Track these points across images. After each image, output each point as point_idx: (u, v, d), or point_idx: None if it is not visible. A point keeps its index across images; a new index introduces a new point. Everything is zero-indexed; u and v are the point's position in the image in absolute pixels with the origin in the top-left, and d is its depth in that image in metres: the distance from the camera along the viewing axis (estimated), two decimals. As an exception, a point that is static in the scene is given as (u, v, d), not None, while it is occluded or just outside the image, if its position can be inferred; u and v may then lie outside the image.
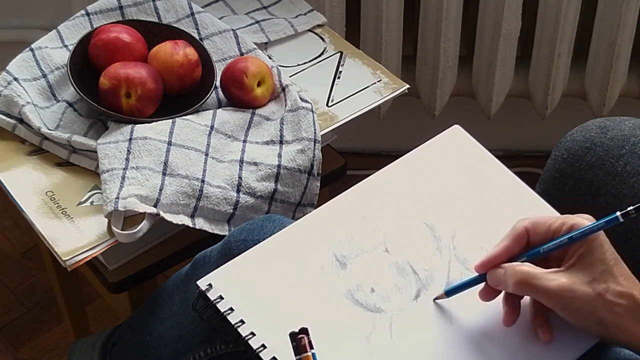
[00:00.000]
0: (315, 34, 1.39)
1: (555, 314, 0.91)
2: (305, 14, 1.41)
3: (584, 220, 0.91)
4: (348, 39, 1.42)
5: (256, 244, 1.00)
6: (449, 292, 0.96)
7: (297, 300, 0.96)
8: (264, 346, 0.92)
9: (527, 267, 0.90)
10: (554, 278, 0.88)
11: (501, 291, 0.94)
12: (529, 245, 0.92)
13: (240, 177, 1.17)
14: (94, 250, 1.11)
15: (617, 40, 1.60)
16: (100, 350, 1.19)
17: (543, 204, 1.04)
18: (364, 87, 1.30)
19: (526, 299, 0.94)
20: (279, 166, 1.18)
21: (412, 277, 0.98)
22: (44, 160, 1.20)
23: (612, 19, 1.59)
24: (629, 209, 0.89)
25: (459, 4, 1.59)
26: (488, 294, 0.94)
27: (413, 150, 1.08)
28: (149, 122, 1.19)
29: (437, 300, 0.96)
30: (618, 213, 0.89)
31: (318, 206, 1.06)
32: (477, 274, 0.94)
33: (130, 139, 1.16)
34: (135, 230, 1.10)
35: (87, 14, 1.32)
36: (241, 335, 0.93)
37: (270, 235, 1.01)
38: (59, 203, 1.15)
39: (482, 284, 0.94)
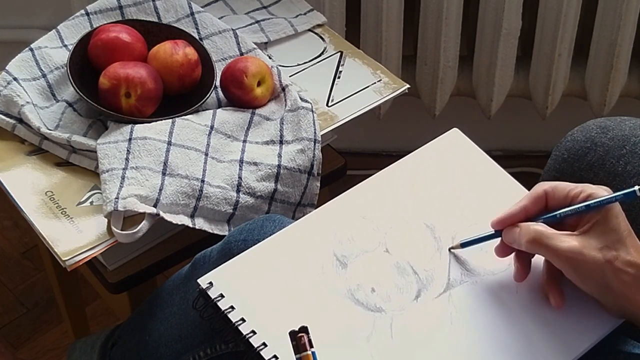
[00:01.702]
0: (315, 33, 1.39)
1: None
2: (305, 14, 1.40)
3: (602, 191, 0.93)
4: (348, 38, 1.42)
5: (256, 244, 1.00)
6: (465, 244, 0.98)
7: (297, 300, 0.96)
8: (264, 344, 0.92)
9: (540, 227, 0.93)
10: (566, 240, 0.91)
11: (515, 249, 0.96)
12: (547, 209, 0.95)
13: (240, 177, 1.16)
14: (94, 251, 1.10)
15: (617, 40, 1.60)
16: (100, 350, 1.19)
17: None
18: (364, 87, 1.30)
19: (539, 266, 0.96)
20: (279, 166, 1.18)
21: (412, 277, 0.98)
22: (44, 160, 1.20)
23: (612, 18, 1.59)
24: None
25: (459, 3, 1.59)
26: (503, 251, 0.97)
27: (413, 152, 1.09)
28: (149, 122, 1.19)
29: (451, 250, 0.99)
30: (636, 187, 0.91)
31: (318, 206, 1.06)
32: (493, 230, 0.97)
33: (130, 139, 1.16)
34: (135, 231, 1.10)
35: (87, 14, 1.32)
36: (242, 334, 0.93)
37: (270, 235, 1.01)
38: (59, 203, 1.15)
39: (498, 240, 0.97)
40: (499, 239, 0.97)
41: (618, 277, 0.89)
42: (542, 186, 0.95)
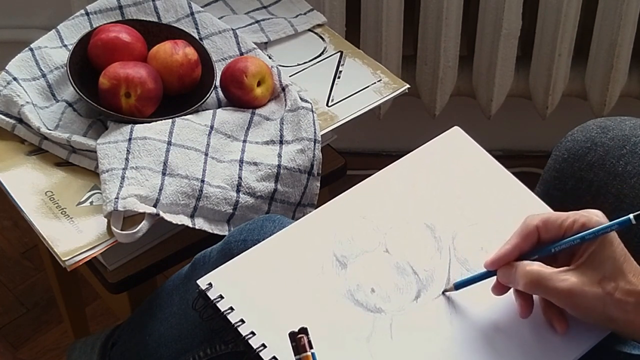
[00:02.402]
0: (315, 33, 1.38)
1: None
2: (305, 14, 1.40)
3: (595, 217, 0.91)
4: (348, 38, 1.42)
5: (256, 244, 1.00)
6: (458, 286, 0.96)
7: (297, 300, 0.96)
8: (264, 345, 0.92)
9: (537, 267, 0.90)
10: (565, 278, 0.89)
11: (509, 288, 0.94)
12: (539, 242, 0.93)
13: (240, 177, 1.16)
14: (94, 251, 1.10)
15: (617, 40, 1.60)
16: (100, 350, 1.19)
17: (542, 205, 1.04)
18: (364, 87, 1.29)
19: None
20: (279, 166, 1.18)
21: (412, 277, 0.98)
22: (44, 160, 1.20)
23: (612, 18, 1.59)
24: None
25: (459, 3, 1.59)
26: (499, 289, 0.95)
27: (413, 151, 1.08)
28: (149, 122, 1.19)
29: (446, 293, 0.97)
30: (631, 215, 0.89)
31: (318, 206, 1.06)
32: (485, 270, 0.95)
33: (130, 139, 1.15)
34: (134, 231, 1.10)
35: (87, 14, 1.32)
36: (241, 335, 0.93)
37: (270, 235, 1.01)
38: (59, 203, 1.15)
39: (493, 279, 0.94)
40: (494, 277, 0.94)
41: (620, 308, 0.88)
42: (532, 221, 0.93)
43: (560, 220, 0.92)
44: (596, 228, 0.90)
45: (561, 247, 0.91)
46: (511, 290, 0.95)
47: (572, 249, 0.91)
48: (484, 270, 0.95)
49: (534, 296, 0.94)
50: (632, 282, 0.88)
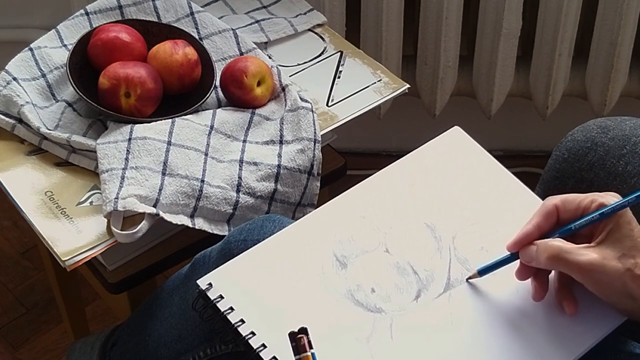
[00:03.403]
0: (315, 33, 1.38)
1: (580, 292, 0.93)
2: (305, 14, 1.40)
3: (611, 197, 0.93)
4: (348, 38, 1.42)
5: (256, 244, 1.00)
6: (482, 272, 0.97)
7: (297, 300, 0.95)
8: (264, 346, 0.92)
9: (558, 242, 0.92)
10: (585, 253, 0.90)
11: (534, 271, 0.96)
12: (558, 223, 0.95)
13: (240, 177, 1.16)
14: (93, 251, 1.10)
15: (618, 40, 1.60)
16: (100, 350, 1.18)
17: (543, 204, 1.04)
18: (364, 86, 1.29)
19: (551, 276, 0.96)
20: (278, 166, 1.18)
21: (412, 277, 0.98)
22: (43, 160, 1.20)
23: (613, 18, 1.58)
24: None
25: (459, 3, 1.59)
26: (522, 274, 0.96)
27: (413, 151, 1.08)
28: (149, 122, 1.18)
29: (469, 280, 0.97)
30: None
31: (318, 206, 1.06)
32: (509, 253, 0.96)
33: (130, 139, 1.15)
34: (134, 231, 1.10)
35: (87, 14, 1.32)
36: (241, 335, 0.93)
37: (270, 235, 1.01)
38: (58, 203, 1.15)
39: (515, 263, 0.96)
40: (516, 261, 0.96)
41: (639, 284, 0.89)
42: (551, 201, 0.95)
43: (578, 200, 0.94)
44: (614, 203, 0.91)
45: (582, 224, 0.93)
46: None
47: (591, 230, 0.93)
48: (505, 254, 0.96)
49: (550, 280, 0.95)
50: None
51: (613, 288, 0.90)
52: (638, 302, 0.90)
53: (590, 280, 0.91)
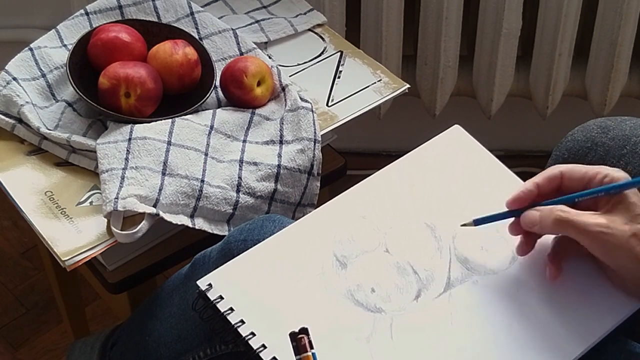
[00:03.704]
0: (315, 33, 1.38)
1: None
2: (305, 14, 1.40)
3: (617, 173, 0.93)
4: (348, 38, 1.42)
5: (256, 244, 1.00)
6: (478, 222, 0.97)
7: (297, 301, 0.95)
8: (264, 346, 0.92)
9: (564, 207, 0.92)
10: (593, 216, 0.91)
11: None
12: (560, 190, 0.95)
13: (240, 177, 1.16)
14: (93, 251, 1.10)
15: (618, 40, 1.60)
16: (100, 351, 1.18)
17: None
18: (364, 86, 1.29)
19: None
20: (278, 166, 1.18)
21: (412, 277, 0.98)
22: (43, 160, 1.20)
23: (613, 18, 1.58)
24: None
25: (459, 3, 1.59)
26: (517, 229, 0.96)
27: (413, 150, 1.08)
28: (149, 122, 1.18)
29: (462, 226, 0.98)
30: None
31: (318, 206, 1.06)
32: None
33: (130, 139, 1.15)
34: (134, 231, 1.09)
35: (87, 14, 1.32)
36: (241, 336, 0.93)
37: (270, 235, 1.01)
38: (58, 203, 1.15)
39: (510, 220, 0.97)
40: (512, 219, 0.96)
41: None
42: (558, 167, 0.95)
43: (584, 170, 0.94)
44: (622, 181, 0.92)
45: (585, 197, 0.93)
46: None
47: (594, 203, 0.93)
48: (504, 210, 0.96)
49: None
50: None
51: (620, 252, 0.90)
52: None
53: (596, 243, 0.91)
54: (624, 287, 0.95)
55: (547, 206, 0.94)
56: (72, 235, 1.11)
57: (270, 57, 1.32)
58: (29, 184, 1.17)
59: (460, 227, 0.98)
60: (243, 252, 0.99)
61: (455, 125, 1.11)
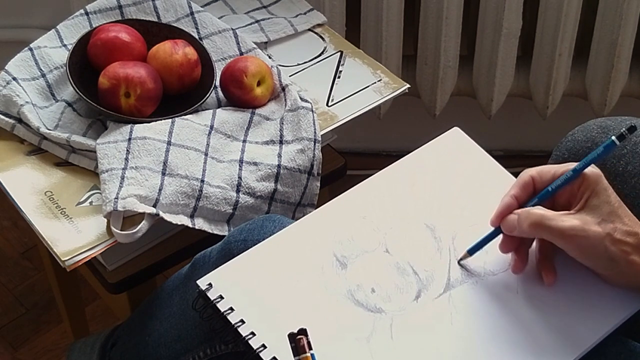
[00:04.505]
0: (315, 33, 1.38)
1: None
2: (305, 13, 1.40)
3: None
4: (348, 38, 1.42)
5: (256, 244, 1.00)
6: (472, 251, 0.98)
7: (297, 301, 0.95)
8: (264, 346, 0.92)
9: (539, 210, 0.94)
10: (567, 219, 0.92)
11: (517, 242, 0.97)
12: (535, 193, 0.97)
13: (240, 177, 1.16)
14: (93, 251, 1.10)
15: (618, 40, 1.60)
16: (100, 351, 1.18)
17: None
18: (364, 86, 1.29)
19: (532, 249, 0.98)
20: (278, 166, 1.18)
21: (412, 277, 0.98)
22: (43, 160, 1.20)
23: (613, 18, 1.58)
24: (622, 130, 0.95)
25: (459, 3, 1.59)
26: (507, 246, 0.98)
27: (413, 152, 1.08)
28: (148, 122, 1.18)
29: (461, 262, 0.99)
30: (613, 137, 0.95)
31: (318, 206, 1.06)
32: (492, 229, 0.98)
33: (130, 139, 1.15)
34: (134, 231, 1.09)
35: (86, 13, 1.32)
36: (241, 335, 0.93)
37: (270, 235, 1.01)
38: (58, 203, 1.14)
39: (501, 237, 0.98)
40: (501, 235, 0.97)
41: (619, 248, 0.91)
42: (527, 172, 0.98)
43: (554, 169, 0.97)
44: (585, 158, 0.95)
45: (557, 185, 0.95)
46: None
47: (569, 200, 0.95)
48: (490, 230, 0.98)
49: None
50: (628, 224, 0.92)
51: (594, 252, 0.92)
52: (619, 266, 0.92)
53: (572, 245, 0.93)
54: (614, 284, 0.96)
55: (524, 209, 0.95)
56: (72, 235, 1.11)
57: (270, 57, 1.32)
58: (29, 184, 1.17)
59: (458, 263, 0.99)
60: (243, 252, 0.99)
61: (455, 128, 1.11)
